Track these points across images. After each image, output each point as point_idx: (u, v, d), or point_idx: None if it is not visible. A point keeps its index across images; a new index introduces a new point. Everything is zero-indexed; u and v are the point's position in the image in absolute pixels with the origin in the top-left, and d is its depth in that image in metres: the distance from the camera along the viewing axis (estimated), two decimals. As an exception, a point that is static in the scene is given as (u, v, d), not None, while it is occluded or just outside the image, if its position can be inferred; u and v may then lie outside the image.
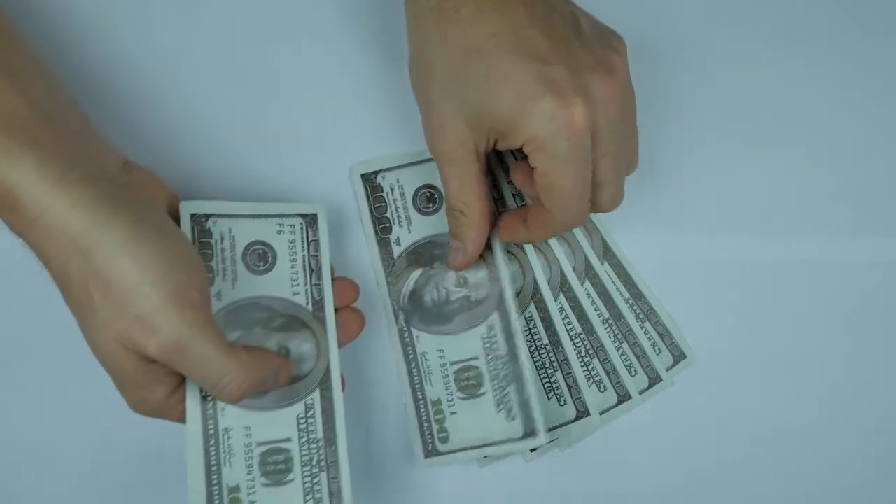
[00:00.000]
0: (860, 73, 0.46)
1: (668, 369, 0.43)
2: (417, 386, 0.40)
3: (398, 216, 0.42)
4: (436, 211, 0.42)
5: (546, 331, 0.42)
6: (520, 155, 0.42)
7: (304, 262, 0.38)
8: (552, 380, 0.42)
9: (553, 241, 0.43)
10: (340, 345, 0.37)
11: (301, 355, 0.36)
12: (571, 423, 0.41)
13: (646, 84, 0.44)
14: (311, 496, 0.35)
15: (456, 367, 0.40)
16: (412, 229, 0.42)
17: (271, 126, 0.43)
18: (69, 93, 0.35)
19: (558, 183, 0.33)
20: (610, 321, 0.43)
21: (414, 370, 0.40)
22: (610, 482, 0.43)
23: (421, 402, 0.40)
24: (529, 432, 0.39)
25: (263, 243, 0.37)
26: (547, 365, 0.42)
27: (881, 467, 0.44)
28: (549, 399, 0.42)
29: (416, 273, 0.41)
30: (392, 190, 0.42)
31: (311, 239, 0.38)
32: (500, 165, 0.43)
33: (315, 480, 0.35)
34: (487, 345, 0.40)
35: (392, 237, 0.42)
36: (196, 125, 0.42)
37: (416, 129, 0.38)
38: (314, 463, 0.35)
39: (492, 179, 0.43)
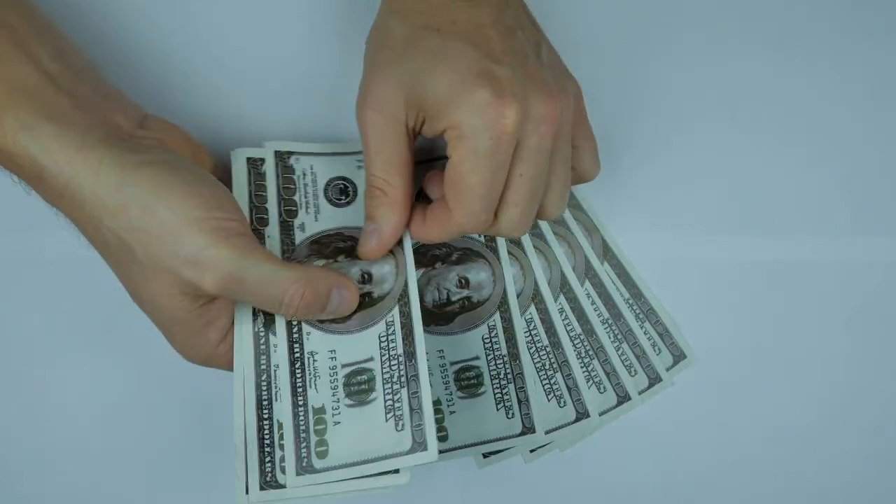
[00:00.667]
0: (860, 74, 0.46)
1: (668, 369, 0.43)
2: None
3: None
4: None
5: (546, 332, 0.42)
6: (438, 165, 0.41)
7: None
8: (552, 381, 0.42)
9: (553, 242, 0.43)
10: None
11: (382, 276, 0.37)
12: (571, 425, 0.42)
13: (646, 83, 0.44)
14: (391, 413, 0.35)
15: (456, 367, 0.40)
16: None
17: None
18: (80, 52, 0.35)
19: (466, 179, 0.32)
20: (610, 321, 0.43)
21: None
22: (610, 482, 0.43)
23: None
24: (527, 430, 0.39)
25: (344, 178, 0.39)
26: (547, 366, 0.42)
27: (881, 467, 0.44)
28: (548, 400, 0.42)
29: (418, 273, 0.41)
30: None
31: None
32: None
33: (396, 397, 0.35)
34: (488, 345, 0.40)
35: None
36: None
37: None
38: (395, 379, 0.35)
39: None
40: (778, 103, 0.45)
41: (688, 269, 0.44)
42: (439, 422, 0.40)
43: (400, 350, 0.36)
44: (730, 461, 0.43)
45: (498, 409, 0.40)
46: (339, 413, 0.35)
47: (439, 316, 0.41)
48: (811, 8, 0.46)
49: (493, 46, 0.32)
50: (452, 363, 0.40)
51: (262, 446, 0.34)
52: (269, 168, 0.38)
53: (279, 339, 0.35)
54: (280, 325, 0.35)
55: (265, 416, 0.35)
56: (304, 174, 0.38)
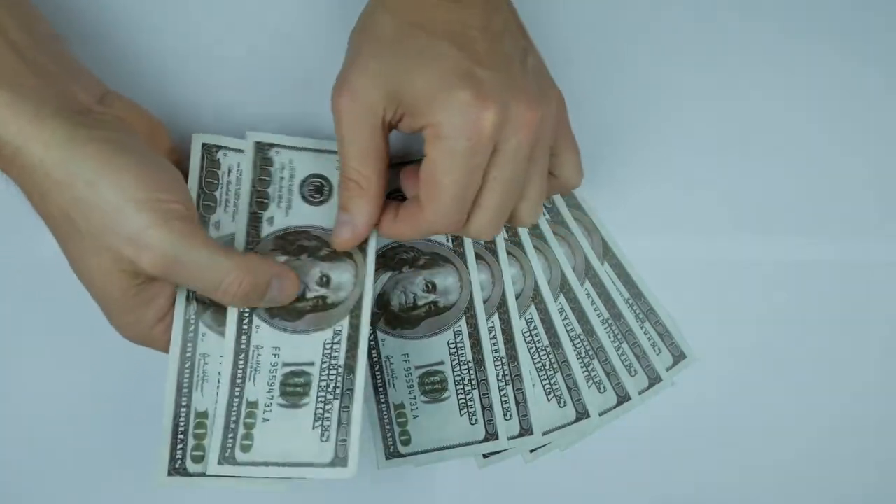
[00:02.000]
0: (860, 74, 0.46)
1: (668, 369, 0.43)
2: (381, 389, 0.41)
3: None
4: None
5: (546, 332, 0.42)
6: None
7: None
8: (552, 381, 0.42)
9: (553, 242, 0.43)
10: None
11: (340, 284, 0.37)
12: (571, 425, 0.42)
13: (645, 84, 0.44)
14: (319, 422, 0.35)
15: (420, 372, 0.40)
16: None
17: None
18: (47, 23, 0.35)
19: (441, 178, 0.32)
20: (610, 321, 0.43)
21: (378, 373, 0.41)
22: (610, 482, 0.43)
23: (384, 404, 0.41)
24: (491, 436, 0.40)
25: (322, 177, 0.38)
26: (547, 366, 0.42)
27: (881, 467, 0.44)
28: (548, 401, 0.42)
29: (385, 276, 0.41)
30: None
31: None
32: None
33: (327, 407, 0.35)
34: (454, 350, 0.41)
35: None
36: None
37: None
38: (330, 389, 0.36)
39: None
40: (778, 104, 0.45)
41: (688, 269, 0.44)
42: (402, 426, 0.40)
43: (341, 361, 0.36)
44: (729, 461, 0.43)
45: (462, 415, 0.40)
46: (271, 411, 0.35)
47: (405, 320, 0.41)
48: (811, 8, 0.46)
49: (479, 49, 0.32)
50: (417, 367, 0.41)
51: (175, 433, 0.35)
52: (247, 159, 0.38)
53: (228, 328, 0.35)
54: (231, 315, 0.36)
55: (183, 404, 0.35)
56: (283, 167, 0.38)
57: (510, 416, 0.41)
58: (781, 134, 0.45)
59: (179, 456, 0.35)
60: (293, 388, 0.35)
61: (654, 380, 0.43)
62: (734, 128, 0.45)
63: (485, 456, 0.41)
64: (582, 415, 0.42)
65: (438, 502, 0.42)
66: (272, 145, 0.38)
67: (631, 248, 0.44)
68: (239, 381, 0.35)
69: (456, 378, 0.40)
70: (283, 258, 0.37)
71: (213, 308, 0.36)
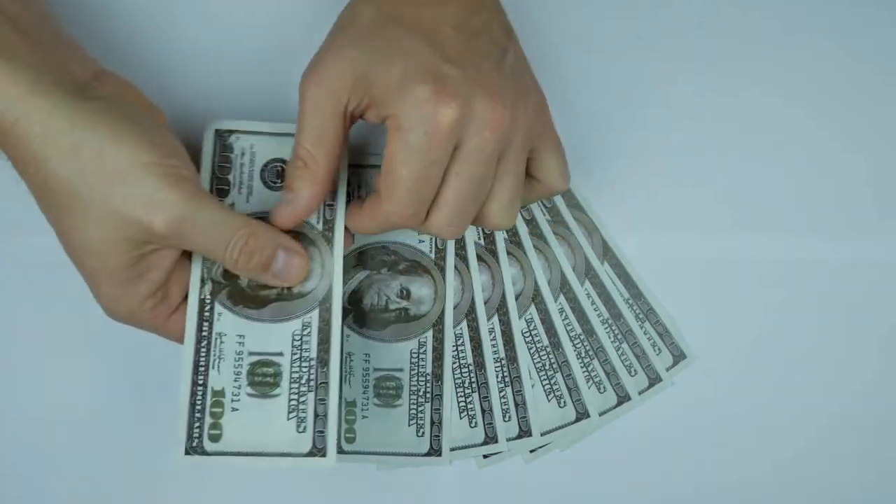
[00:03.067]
0: (860, 71, 0.45)
1: (667, 369, 0.43)
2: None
3: None
4: None
5: (546, 332, 0.42)
6: None
7: None
8: (552, 381, 0.42)
9: (553, 242, 0.43)
10: None
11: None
12: (571, 425, 0.42)
13: (645, 83, 0.44)
14: (294, 413, 0.35)
15: (378, 375, 0.40)
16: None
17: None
18: (43, 4, 0.35)
19: (397, 170, 0.32)
20: (610, 321, 0.43)
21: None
22: (610, 482, 0.43)
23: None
24: (434, 452, 0.40)
25: (283, 161, 0.38)
26: (547, 367, 0.42)
27: (880, 466, 0.44)
28: (549, 401, 0.42)
29: (362, 275, 0.41)
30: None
31: None
32: None
33: (302, 399, 0.35)
34: (414, 359, 0.41)
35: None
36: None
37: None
38: (303, 381, 0.35)
39: None
40: (777, 103, 0.45)
41: (687, 268, 0.44)
42: (350, 423, 0.40)
43: (313, 354, 0.36)
44: (729, 461, 0.43)
45: (409, 425, 0.40)
46: (240, 400, 0.35)
47: (373, 320, 0.41)
48: (812, 3, 0.45)
49: (449, 46, 0.32)
50: (375, 369, 0.40)
51: (192, 411, 0.34)
52: (208, 147, 0.38)
53: (189, 315, 0.35)
54: (193, 305, 0.35)
55: (199, 382, 0.35)
56: (243, 153, 0.38)
57: (509, 417, 0.41)
58: (781, 132, 0.45)
59: (196, 434, 0.34)
60: (262, 377, 0.35)
61: (654, 380, 0.43)
62: (733, 126, 0.45)
63: (485, 456, 0.41)
64: (582, 415, 0.42)
65: (438, 502, 0.42)
66: (231, 132, 0.38)
67: (631, 248, 0.44)
68: (202, 368, 0.35)
69: (412, 387, 0.40)
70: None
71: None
